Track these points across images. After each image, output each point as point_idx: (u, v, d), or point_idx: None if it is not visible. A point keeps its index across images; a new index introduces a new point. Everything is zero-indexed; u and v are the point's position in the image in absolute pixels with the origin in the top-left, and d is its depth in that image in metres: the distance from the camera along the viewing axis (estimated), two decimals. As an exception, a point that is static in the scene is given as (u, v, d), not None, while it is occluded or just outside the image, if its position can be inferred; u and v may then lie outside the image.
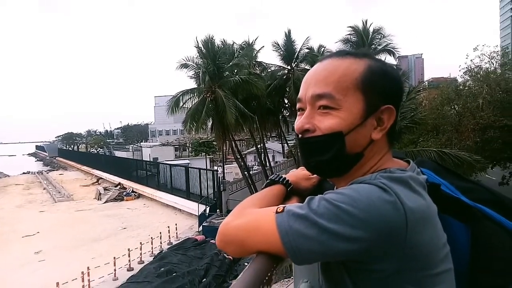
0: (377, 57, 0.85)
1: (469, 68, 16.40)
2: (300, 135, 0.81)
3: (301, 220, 0.68)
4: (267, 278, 0.70)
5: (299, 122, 0.81)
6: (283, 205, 0.73)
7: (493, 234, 0.79)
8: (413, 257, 0.68)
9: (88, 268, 12.44)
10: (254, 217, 0.75)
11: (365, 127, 0.77)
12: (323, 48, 29.82)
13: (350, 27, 26.46)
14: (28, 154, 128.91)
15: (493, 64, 17.05)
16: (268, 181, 0.96)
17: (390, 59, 25.14)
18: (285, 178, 0.96)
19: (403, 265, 0.68)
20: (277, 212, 0.71)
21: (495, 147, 14.32)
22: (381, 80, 0.78)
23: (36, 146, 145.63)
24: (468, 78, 16.69)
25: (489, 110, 14.07)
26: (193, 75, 22.55)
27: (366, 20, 26.63)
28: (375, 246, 0.66)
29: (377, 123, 0.78)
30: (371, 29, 26.36)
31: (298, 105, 0.84)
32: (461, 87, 16.43)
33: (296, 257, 0.69)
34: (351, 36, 26.37)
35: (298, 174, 1.02)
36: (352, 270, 0.72)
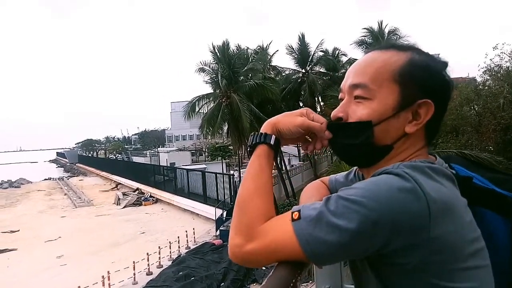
0: (425, 51, 0.82)
1: (489, 67, 16.00)
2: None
3: (321, 225, 0.66)
4: (291, 285, 0.69)
5: (335, 109, 0.83)
6: (298, 209, 0.70)
7: None
8: (438, 249, 0.65)
9: (108, 272, 12.61)
10: (270, 237, 0.70)
11: (398, 120, 0.77)
12: (337, 51, 29.66)
13: (365, 28, 26.22)
14: (49, 160, 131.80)
15: (514, 62, 16.60)
16: (250, 146, 0.85)
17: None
18: (267, 135, 0.84)
19: (427, 258, 0.65)
20: (293, 220, 0.69)
21: (518, 148, 13.91)
22: (421, 73, 0.77)
23: (57, 153, 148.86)
24: (488, 77, 16.27)
25: (511, 110, 13.70)
26: (208, 80, 22.77)
27: (381, 21, 26.32)
28: (399, 239, 0.64)
29: (412, 116, 0.77)
30: (386, 30, 26.05)
31: (339, 96, 0.86)
32: (480, 87, 16.05)
33: (321, 263, 0.70)
34: (366, 37, 26.12)
35: (283, 121, 0.86)
36: (375, 265, 0.71)
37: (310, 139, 0.88)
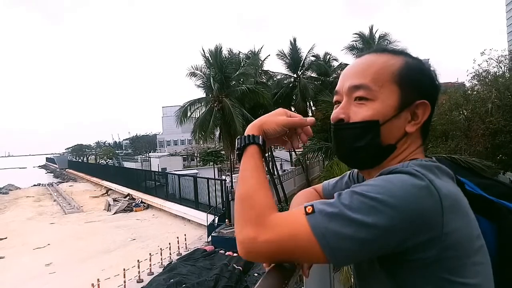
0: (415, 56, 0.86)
1: (477, 73, 16.25)
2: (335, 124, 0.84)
3: (337, 219, 0.65)
4: None
5: (335, 112, 0.83)
6: (310, 203, 0.70)
7: None
8: (451, 244, 0.67)
9: (98, 280, 12.46)
10: (285, 227, 0.69)
11: (400, 120, 0.79)
12: (328, 56, 29.89)
13: (355, 33, 26.54)
14: (39, 166, 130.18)
15: (501, 68, 16.88)
16: (239, 148, 0.85)
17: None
18: (255, 136, 0.85)
19: (442, 253, 0.67)
20: (307, 214, 0.68)
21: (506, 152, 14.10)
22: (417, 76, 0.81)
23: (46, 158, 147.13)
24: (476, 82, 16.53)
25: (499, 115, 13.89)
26: (200, 84, 22.75)
27: (372, 26, 26.67)
28: (416, 235, 0.65)
29: (411, 117, 0.80)
30: (377, 35, 26.37)
31: (334, 98, 0.87)
32: (469, 91, 16.28)
33: (336, 259, 0.67)
34: (357, 42, 26.38)
35: (268, 121, 0.88)
36: (387, 263, 0.71)
37: (287, 139, 0.91)
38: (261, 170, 0.81)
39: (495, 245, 0.78)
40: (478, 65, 16.33)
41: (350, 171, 1.08)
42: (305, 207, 0.69)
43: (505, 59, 17.10)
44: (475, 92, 15.60)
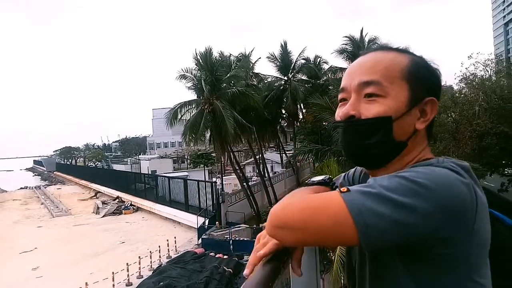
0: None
1: (464, 76, 16.51)
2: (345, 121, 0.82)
3: (374, 197, 0.63)
4: None
5: (344, 108, 0.81)
6: (345, 187, 0.68)
7: (507, 238, 0.80)
8: (478, 243, 0.68)
9: (86, 283, 12.30)
10: (318, 198, 0.69)
11: (411, 116, 0.79)
12: (319, 59, 30.12)
13: (345, 37, 26.73)
14: (26, 169, 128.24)
15: (488, 71, 17.20)
16: (315, 181, 0.88)
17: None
18: (334, 182, 0.89)
19: (469, 250, 0.67)
20: (342, 192, 0.66)
21: (493, 154, 14.33)
22: (425, 73, 0.81)
23: (34, 160, 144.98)
24: (464, 85, 16.79)
25: (486, 117, 14.12)
26: (191, 87, 22.67)
27: (362, 29, 26.89)
28: (449, 225, 0.64)
29: (420, 114, 0.80)
30: (366, 39, 26.59)
31: (340, 96, 0.85)
32: (457, 94, 16.53)
33: (368, 239, 0.63)
34: (347, 46, 26.58)
35: None
36: (413, 260, 0.70)
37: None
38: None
39: None
40: (466, 68, 16.62)
41: (345, 173, 1.06)
42: (339, 189, 0.67)
43: (492, 63, 17.43)
44: (462, 95, 15.84)
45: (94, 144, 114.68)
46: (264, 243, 0.80)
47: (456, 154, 13.77)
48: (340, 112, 0.82)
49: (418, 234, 0.64)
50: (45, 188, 55.48)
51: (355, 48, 25.44)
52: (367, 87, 0.79)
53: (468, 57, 16.67)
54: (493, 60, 17.98)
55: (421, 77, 0.80)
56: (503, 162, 15.36)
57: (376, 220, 0.62)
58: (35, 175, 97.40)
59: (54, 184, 62.73)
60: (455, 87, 18.07)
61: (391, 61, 0.80)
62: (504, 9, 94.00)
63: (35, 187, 58.17)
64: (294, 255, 0.81)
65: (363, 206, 0.63)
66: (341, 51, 26.52)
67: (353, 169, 1.06)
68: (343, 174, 1.06)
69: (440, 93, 0.83)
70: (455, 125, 14.92)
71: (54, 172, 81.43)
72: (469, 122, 14.31)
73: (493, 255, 0.75)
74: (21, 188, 58.94)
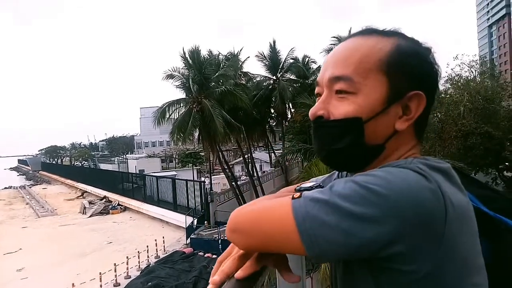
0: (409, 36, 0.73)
1: (450, 77, 16.81)
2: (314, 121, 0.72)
3: (321, 205, 0.57)
4: None
5: (313, 107, 0.71)
6: (301, 191, 0.63)
7: None
8: (450, 258, 0.58)
9: (73, 284, 12.17)
10: (269, 203, 0.65)
11: (388, 116, 0.67)
12: (307, 58, 30.23)
13: (334, 37, 26.89)
14: (10, 168, 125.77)
15: (472, 72, 17.55)
16: (303, 188, 0.78)
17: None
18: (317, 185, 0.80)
19: (438, 267, 0.57)
20: (293, 198, 0.61)
21: (477, 154, 14.61)
22: (410, 62, 0.68)
23: (18, 160, 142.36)
24: (449, 86, 17.09)
25: (470, 117, 14.40)
26: (179, 85, 22.55)
27: (350, 29, 27.06)
28: (408, 237, 0.55)
29: (403, 111, 0.68)
30: (354, 39, 26.80)
31: (316, 90, 0.75)
32: (443, 95, 16.81)
33: (313, 250, 0.58)
34: (335, 45, 26.73)
35: None
36: (377, 272, 0.61)
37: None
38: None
39: (488, 265, 0.68)
40: (451, 69, 16.92)
41: (338, 173, 0.95)
42: (295, 194, 0.62)
43: (476, 64, 17.79)
44: (448, 96, 16.11)
45: (80, 143, 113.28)
46: (235, 258, 0.71)
47: (442, 154, 14.01)
48: (310, 110, 0.72)
49: (368, 246, 0.56)
50: (30, 187, 54.59)
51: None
52: (337, 82, 0.68)
53: (454, 58, 16.99)
54: (478, 62, 18.36)
55: (404, 67, 0.67)
56: (487, 161, 15.67)
57: (320, 230, 0.56)
58: (20, 174, 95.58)
59: (40, 184, 61.74)
60: (441, 88, 18.38)
61: (369, 50, 0.68)
62: (488, 11, 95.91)
63: (19, 186, 57.12)
64: (277, 265, 0.72)
65: (307, 214, 0.58)
66: (329, 51, 26.65)
67: None
68: (336, 173, 0.94)
69: (434, 83, 0.71)
70: (440, 124, 15.17)
71: (40, 172, 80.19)
72: (454, 122, 14.57)
73: (501, 269, 0.68)
74: (5, 187, 57.79)
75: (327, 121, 0.69)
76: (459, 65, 16.92)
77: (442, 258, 0.57)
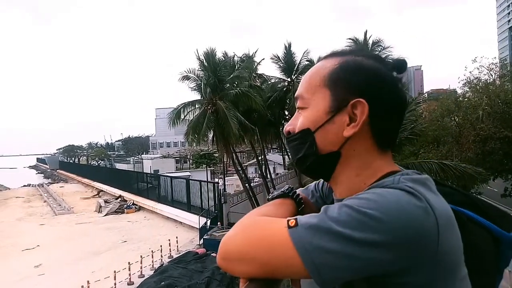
0: (372, 53, 0.82)
1: (468, 80, 16.51)
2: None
3: (322, 233, 0.60)
4: None
5: (286, 124, 0.82)
6: (294, 218, 0.65)
7: (479, 237, 0.76)
8: (444, 265, 0.62)
9: (88, 282, 12.32)
10: (261, 230, 0.67)
11: (335, 124, 0.74)
12: (322, 61, 30.07)
13: (349, 39, 26.60)
14: (29, 166, 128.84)
15: (492, 75, 17.17)
16: (275, 194, 0.87)
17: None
18: (296, 192, 0.88)
19: (434, 275, 0.62)
20: (289, 227, 0.63)
21: (496, 159, 14.30)
22: (350, 74, 0.74)
23: (37, 158, 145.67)
24: (468, 89, 16.79)
25: (489, 122, 14.10)
26: (194, 87, 22.72)
27: (366, 31, 26.81)
28: (407, 254, 0.59)
29: (350, 119, 0.73)
30: (370, 41, 26.50)
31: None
32: (460, 98, 16.52)
33: (320, 277, 0.61)
34: (351, 47, 26.46)
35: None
36: (376, 286, 0.64)
37: None
38: (278, 210, 0.80)
39: None
40: (470, 72, 16.62)
41: (316, 182, 1.03)
42: (288, 220, 0.64)
43: (496, 67, 17.41)
44: (466, 99, 15.85)
45: (97, 143, 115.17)
46: None
47: (459, 158, 13.75)
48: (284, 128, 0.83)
49: (372, 267, 0.60)
50: (48, 186, 55.68)
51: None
52: (297, 101, 0.80)
53: (472, 61, 16.67)
54: (497, 64, 17.96)
55: (343, 79, 0.74)
56: (507, 167, 15.31)
57: (326, 258, 0.59)
58: (38, 173, 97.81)
59: (57, 182, 62.96)
60: (459, 91, 18.07)
61: (317, 69, 0.78)
62: (509, 13, 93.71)
63: (38, 184, 58.36)
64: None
65: (310, 244, 0.60)
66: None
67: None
68: (314, 182, 1.01)
69: (377, 91, 0.73)
70: (458, 129, 14.92)
71: (57, 170, 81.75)
72: (472, 126, 14.30)
73: (468, 256, 0.72)
74: (24, 185, 59.23)
75: (291, 136, 0.79)
76: (478, 68, 16.61)
77: (437, 266, 0.62)
